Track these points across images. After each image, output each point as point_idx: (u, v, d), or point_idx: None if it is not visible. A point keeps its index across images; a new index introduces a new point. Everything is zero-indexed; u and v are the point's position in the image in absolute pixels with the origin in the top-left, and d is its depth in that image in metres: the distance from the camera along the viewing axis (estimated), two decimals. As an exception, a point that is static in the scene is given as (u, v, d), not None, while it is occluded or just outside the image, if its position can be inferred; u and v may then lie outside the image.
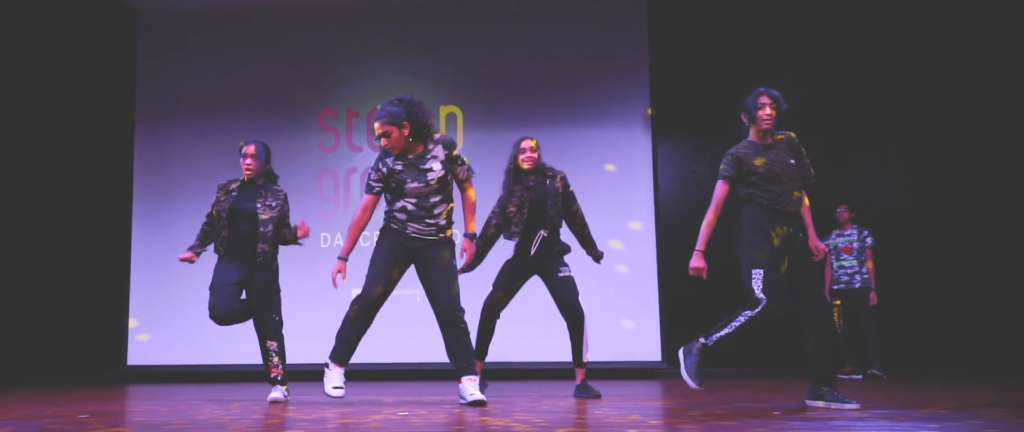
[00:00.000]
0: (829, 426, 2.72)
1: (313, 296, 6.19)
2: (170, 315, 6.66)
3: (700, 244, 3.52)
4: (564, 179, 4.40)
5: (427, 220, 3.83)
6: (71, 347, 6.86)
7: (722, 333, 3.34)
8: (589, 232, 4.47)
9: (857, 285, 6.13)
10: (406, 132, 3.73)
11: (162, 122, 6.95)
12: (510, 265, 4.35)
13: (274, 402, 4.18)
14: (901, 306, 6.58)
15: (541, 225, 4.30)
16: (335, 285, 3.88)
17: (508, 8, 7.00)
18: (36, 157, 7.11)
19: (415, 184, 3.81)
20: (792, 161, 3.54)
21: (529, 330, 5.97)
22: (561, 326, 4.35)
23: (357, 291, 3.85)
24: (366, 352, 6.27)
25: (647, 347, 6.57)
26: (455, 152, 3.89)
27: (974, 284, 6.70)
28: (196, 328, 6.57)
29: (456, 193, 3.89)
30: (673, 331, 6.55)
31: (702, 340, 3.35)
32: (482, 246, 4.39)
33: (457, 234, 4.01)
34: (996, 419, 2.86)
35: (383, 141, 3.76)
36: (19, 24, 7.01)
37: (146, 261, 6.77)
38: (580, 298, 4.29)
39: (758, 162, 3.45)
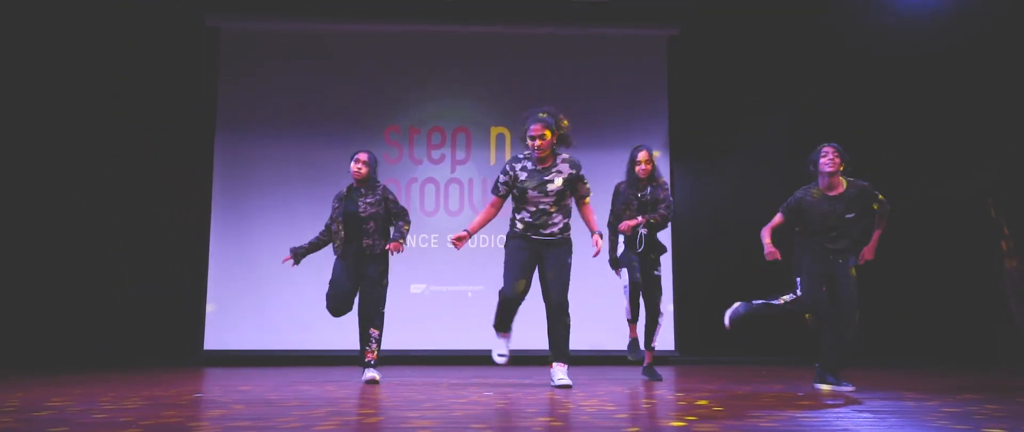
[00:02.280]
0: (836, 408, 3.38)
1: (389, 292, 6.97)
2: (244, 303, 7.26)
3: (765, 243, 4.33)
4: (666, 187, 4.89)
5: (542, 231, 4.19)
6: (156, 333, 7.36)
7: (769, 302, 4.23)
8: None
9: None
10: (553, 139, 4.16)
11: (239, 132, 7.54)
12: (626, 256, 4.86)
13: (371, 381, 4.59)
14: (890, 302, 7.28)
15: (648, 226, 4.80)
16: (454, 244, 4.23)
17: (548, 45, 7.82)
18: (128, 162, 7.58)
19: (536, 193, 4.16)
20: (849, 216, 4.15)
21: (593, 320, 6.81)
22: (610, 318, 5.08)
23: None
24: (418, 339, 7.12)
25: (661, 338, 7.51)
26: (581, 172, 4.25)
27: (955, 282, 7.38)
28: (268, 315, 7.27)
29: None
30: (684, 325, 7.39)
31: (755, 302, 4.23)
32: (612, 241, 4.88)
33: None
34: (971, 401, 3.36)
35: (537, 141, 4.11)
36: (116, 44, 7.54)
37: (223, 255, 7.38)
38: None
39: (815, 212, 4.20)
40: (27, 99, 7.46)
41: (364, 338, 4.73)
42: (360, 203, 4.75)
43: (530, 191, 4.17)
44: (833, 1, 7.61)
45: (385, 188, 4.85)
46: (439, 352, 7.24)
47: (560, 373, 4.20)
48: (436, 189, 7.62)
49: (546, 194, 4.16)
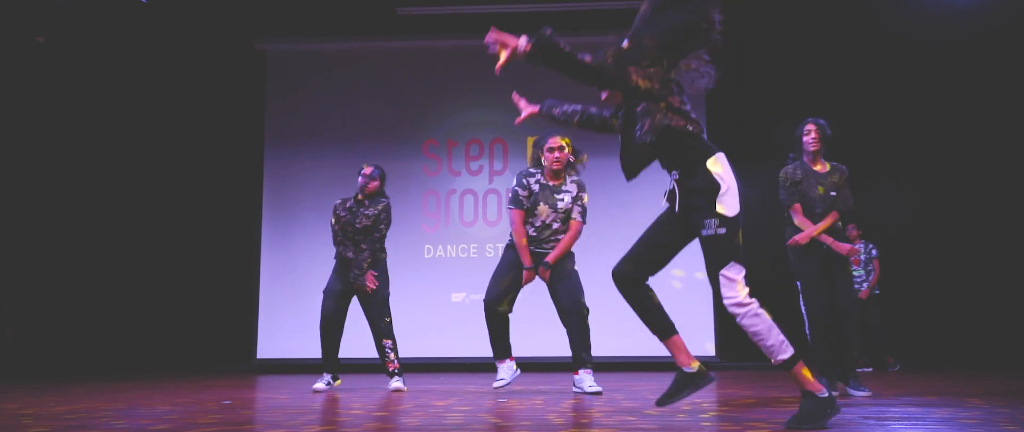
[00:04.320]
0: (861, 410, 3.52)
1: (418, 300, 7.24)
2: (294, 312, 7.47)
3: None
4: None
5: (545, 245, 4.33)
6: (210, 341, 7.75)
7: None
8: None
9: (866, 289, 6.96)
10: (571, 156, 4.36)
11: (286, 147, 7.89)
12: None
13: (396, 390, 4.58)
14: (906, 307, 7.30)
15: None
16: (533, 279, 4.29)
17: (585, 50, 7.99)
18: (185, 178, 8.04)
19: (546, 207, 4.28)
20: (833, 194, 4.10)
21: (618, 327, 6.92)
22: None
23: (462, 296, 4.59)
24: (460, 347, 7.29)
25: (704, 344, 7.48)
26: (584, 194, 4.40)
27: (968, 286, 7.38)
28: (316, 324, 7.57)
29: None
30: (725, 330, 7.42)
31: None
32: None
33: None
34: (982, 406, 3.27)
35: (557, 153, 4.26)
36: (175, 68, 8.04)
37: (273, 266, 7.72)
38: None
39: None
40: (95, 122, 8.00)
41: (380, 350, 4.80)
42: (359, 216, 4.78)
43: (541, 205, 4.29)
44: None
45: (387, 206, 4.83)
46: (482, 359, 7.39)
47: (589, 380, 4.23)
48: (474, 200, 7.81)
49: (556, 210, 4.31)
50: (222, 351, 7.76)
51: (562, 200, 4.31)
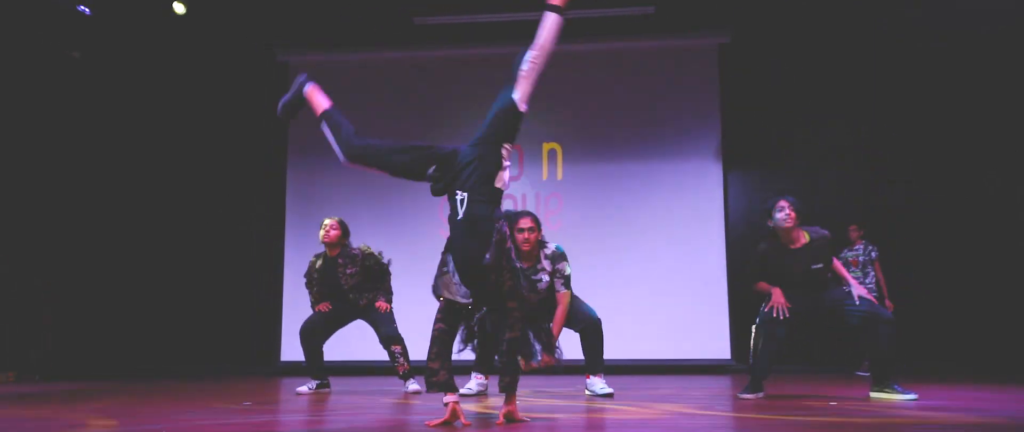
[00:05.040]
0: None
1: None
2: None
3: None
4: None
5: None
6: (235, 344, 8.03)
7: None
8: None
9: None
10: (538, 237, 4.32)
11: (309, 155, 8.04)
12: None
13: (415, 392, 4.75)
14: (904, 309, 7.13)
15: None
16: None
17: (600, 60, 8.00)
18: (211, 185, 8.33)
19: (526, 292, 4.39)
20: (816, 266, 4.08)
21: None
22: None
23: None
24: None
25: (719, 347, 7.50)
26: (564, 264, 4.34)
27: (968, 289, 7.34)
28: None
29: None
30: (740, 335, 7.34)
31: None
32: None
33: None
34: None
35: (526, 234, 4.21)
36: (201, 79, 8.32)
37: (296, 271, 7.80)
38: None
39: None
40: (127, 132, 8.32)
41: (390, 356, 5.00)
42: (340, 275, 4.92)
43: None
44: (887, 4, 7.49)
45: (362, 253, 4.94)
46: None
47: (599, 383, 4.41)
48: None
49: (536, 291, 4.27)
50: (247, 354, 8.01)
51: (541, 281, 4.32)
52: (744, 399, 4.17)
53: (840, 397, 4.21)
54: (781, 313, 4.08)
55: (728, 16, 7.84)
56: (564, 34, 8.56)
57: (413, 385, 4.88)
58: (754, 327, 4.24)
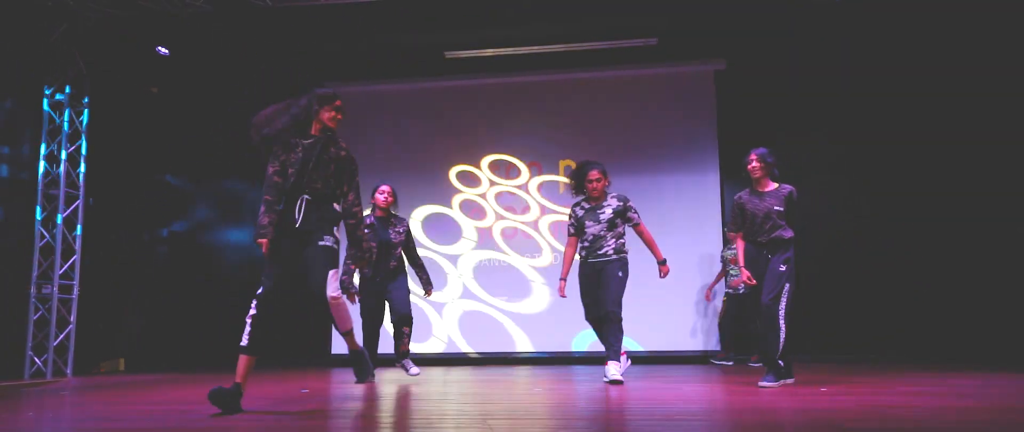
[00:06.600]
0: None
1: (475, 303, 8.33)
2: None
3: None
4: None
5: (598, 252, 5.04)
6: (291, 338, 8.49)
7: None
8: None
9: (741, 290, 7.33)
10: (607, 184, 5.19)
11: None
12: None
13: (417, 374, 5.46)
14: (817, 301, 7.62)
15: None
16: (562, 294, 5.18)
17: (609, 87, 8.77)
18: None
19: (591, 223, 5.05)
20: (778, 208, 4.58)
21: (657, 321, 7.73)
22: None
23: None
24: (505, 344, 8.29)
25: (710, 339, 8.22)
26: (628, 202, 5.16)
27: (951, 286, 7.57)
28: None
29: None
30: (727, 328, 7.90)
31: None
32: None
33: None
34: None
35: (596, 184, 5.09)
36: (251, 107, 9.16)
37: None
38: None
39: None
40: (188, 161, 9.32)
41: (398, 335, 5.46)
42: (391, 232, 5.40)
43: (587, 223, 5.10)
44: (864, 26, 7.96)
45: (405, 221, 5.46)
46: (556, 354, 8.47)
47: (614, 369, 4.91)
48: (512, 213, 8.87)
49: (598, 222, 5.09)
50: (301, 347, 8.67)
51: (604, 213, 5.10)
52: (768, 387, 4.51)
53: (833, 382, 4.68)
54: (746, 288, 4.70)
55: (723, 46, 8.53)
56: (577, 63, 9.42)
57: (414, 368, 5.50)
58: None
